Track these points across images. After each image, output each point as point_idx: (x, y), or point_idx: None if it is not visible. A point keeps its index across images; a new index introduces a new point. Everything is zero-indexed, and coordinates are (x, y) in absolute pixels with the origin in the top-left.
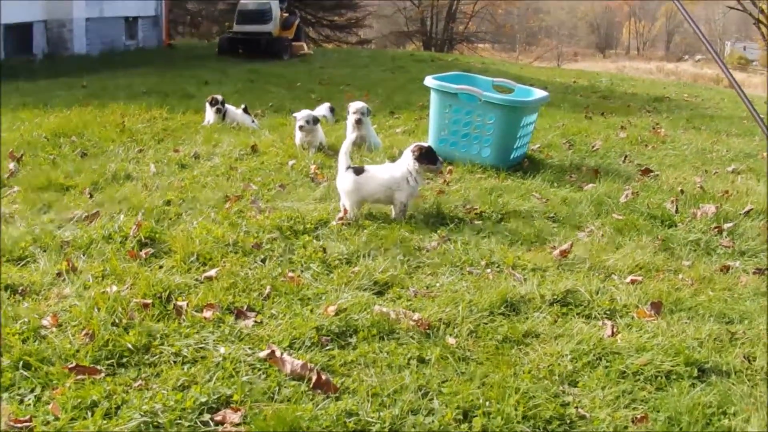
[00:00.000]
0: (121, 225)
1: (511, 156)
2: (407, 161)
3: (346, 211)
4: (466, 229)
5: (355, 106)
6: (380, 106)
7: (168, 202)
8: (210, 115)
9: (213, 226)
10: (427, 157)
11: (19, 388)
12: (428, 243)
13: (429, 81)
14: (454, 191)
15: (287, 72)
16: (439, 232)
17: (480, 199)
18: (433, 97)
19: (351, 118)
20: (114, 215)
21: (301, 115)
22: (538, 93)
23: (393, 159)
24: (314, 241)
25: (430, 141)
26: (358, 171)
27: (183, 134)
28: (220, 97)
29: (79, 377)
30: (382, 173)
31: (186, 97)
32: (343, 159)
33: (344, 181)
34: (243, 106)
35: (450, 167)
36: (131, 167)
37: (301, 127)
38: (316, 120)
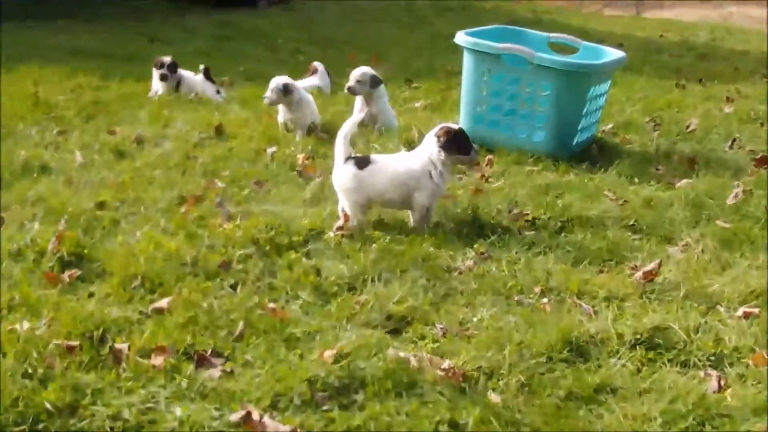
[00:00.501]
0: (36, 236)
1: (575, 140)
2: (430, 149)
3: (347, 217)
4: (512, 242)
5: (357, 72)
6: (393, 72)
7: (101, 205)
8: (157, 83)
9: (164, 238)
10: (457, 143)
11: None
12: (461, 262)
13: (461, 38)
14: (495, 190)
15: (267, 26)
16: (476, 246)
17: (532, 200)
18: (467, 60)
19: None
20: (25, 223)
21: (273, 82)
22: (611, 53)
23: (410, 146)
24: (304, 259)
25: (461, 121)
26: (362, 162)
27: (121, 110)
28: (168, 59)
29: None
30: (395, 165)
31: (126, 59)
32: (341, 145)
33: (343, 176)
34: (202, 68)
35: (489, 156)
36: (48, 155)
37: (265, 98)
38: (287, 89)
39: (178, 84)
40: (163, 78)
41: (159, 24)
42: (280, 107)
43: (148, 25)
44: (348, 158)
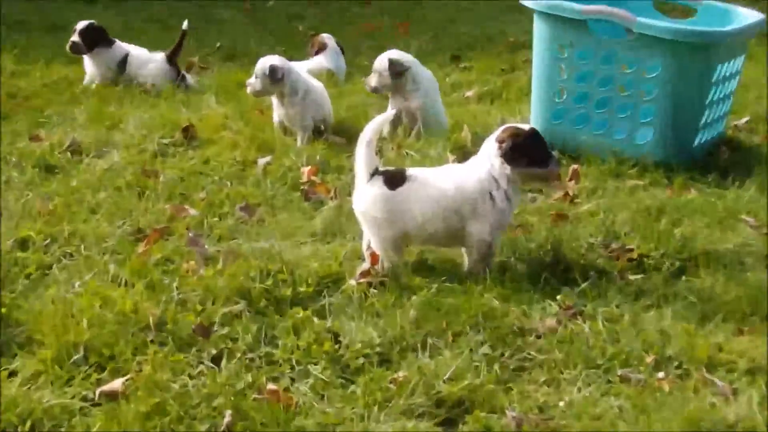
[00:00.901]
0: None
1: (696, 141)
2: (491, 160)
3: (375, 258)
4: (611, 290)
5: (383, 60)
6: (432, 46)
7: (23, 244)
8: (90, 65)
9: (114, 290)
10: (528, 150)
11: None
12: (539, 321)
13: None
14: (585, 215)
15: None
16: (559, 298)
17: (637, 230)
18: (539, 28)
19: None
20: None
21: (258, 64)
22: (745, 16)
23: (461, 154)
24: (315, 318)
25: (533, 116)
26: (395, 179)
27: (48, 105)
28: (84, 24)
29: None
30: (441, 184)
31: (53, 31)
32: (363, 156)
33: (368, 199)
34: (185, 25)
35: (575, 167)
36: None
37: (248, 86)
38: (274, 73)
39: (123, 65)
40: (74, 49)
41: None
42: (273, 100)
43: None
44: (374, 174)
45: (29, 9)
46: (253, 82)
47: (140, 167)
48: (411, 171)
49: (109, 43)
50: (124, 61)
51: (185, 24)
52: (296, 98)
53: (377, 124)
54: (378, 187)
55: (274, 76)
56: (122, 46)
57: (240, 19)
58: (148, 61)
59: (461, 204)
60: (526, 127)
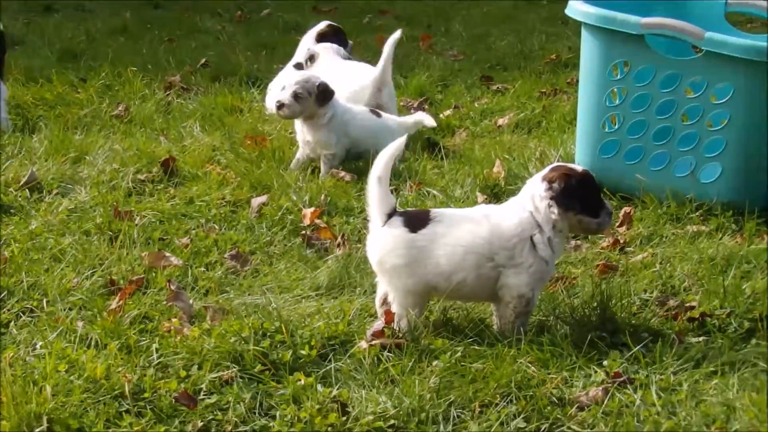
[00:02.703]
0: None
1: None
2: (534, 201)
3: (390, 315)
4: (667, 355)
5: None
6: (459, 63)
7: None
8: None
9: (83, 354)
10: (582, 196)
11: None
12: (582, 390)
13: (577, 7)
14: (638, 266)
15: None
16: (606, 364)
17: (699, 284)
18: (588, 44)
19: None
20: None
21: (288, 79)
22: None
23: (493, 193)
24: (319, 386)
25: (578, 148)
26: (417, 221)
27: None
28: None
29: None
30: (472, 226)
31: None
32: (377, 194)
33: (385, 244)
34: None
35: (626, 209)
36: None
37: (278, 108)
38: (324, 94)
39: None
40: None
41: None
42: (299, 124)
43: None
44: (391, 215)
45: None
46: (289, 102)
47: (112, 208)
48: (436, 211)
49: None
50: None
51: None
52: (332, 121)
53: (388, 156)
54: (396, 229)
55: (324, 98)
56: None
57: (229, 29)
58: None
59: (496, 250)
60: (579, 168)
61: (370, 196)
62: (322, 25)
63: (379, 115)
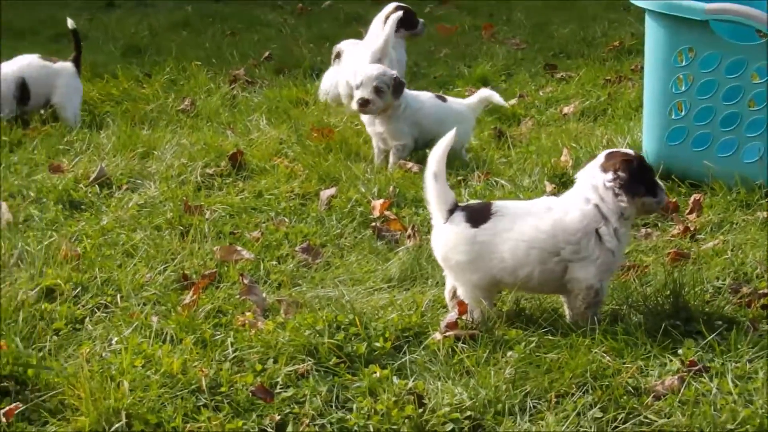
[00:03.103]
0: None
1: None
2: (598, 192)
3: (462, 307)
4: (742, 343)
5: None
6: (523, 52)
7: (49, 294)
8: None
9: (158, 348)
10: (643, 178)
11: None
12: (657, 380)
13: None
14: (709, 254)
15: None
16: (681, 352)
17: None
18: (652, 30)
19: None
20: None
21: (361, 74)
22: None
23: (560, 183)
24: (395, 378)
25: (645, 137)
26: (478, 215)
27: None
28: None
29: None
30: (535, 219)
31: (55, 39)
32: (434, 189)
33: (447, 240)
34: None
35: (695, 196)
36: None
37: (363, 105)
38: (399, 87)
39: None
40: None
41: None
42: (368, 118)
43: None
44: (453, 210)
45: (30, 13)
46: (374, 98)
47: (182, 202)
48: (498, 205)
49: None
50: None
51: (70, 23)
52: (397, 118)
53: (441, 151)
54: (458, 225)
55: (400, 90)
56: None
57: (290, 22)
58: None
59: (561, 245)
60: (632, 153)
61: (429, 193)
62: (390, 6)
63: (444, 100)
